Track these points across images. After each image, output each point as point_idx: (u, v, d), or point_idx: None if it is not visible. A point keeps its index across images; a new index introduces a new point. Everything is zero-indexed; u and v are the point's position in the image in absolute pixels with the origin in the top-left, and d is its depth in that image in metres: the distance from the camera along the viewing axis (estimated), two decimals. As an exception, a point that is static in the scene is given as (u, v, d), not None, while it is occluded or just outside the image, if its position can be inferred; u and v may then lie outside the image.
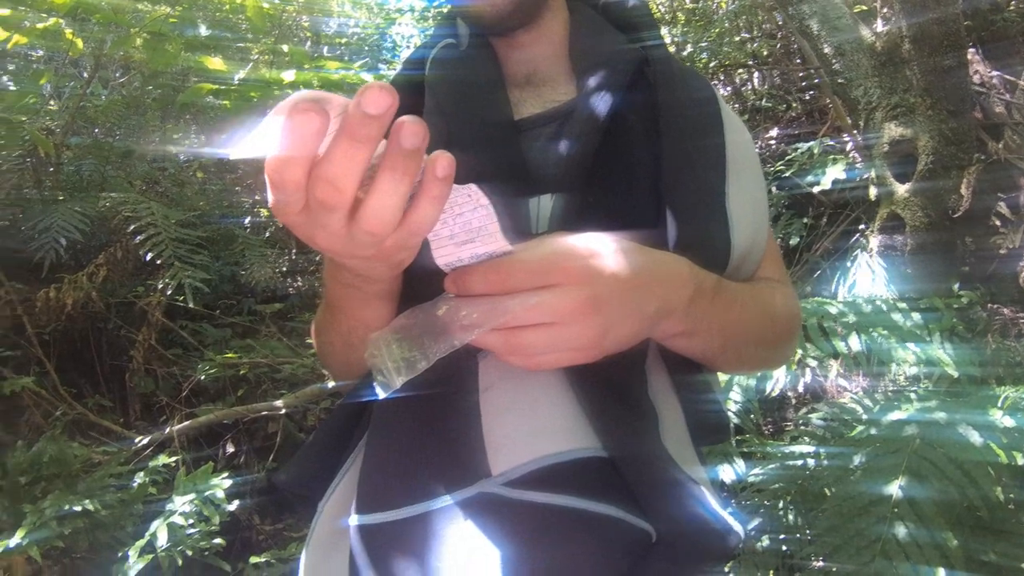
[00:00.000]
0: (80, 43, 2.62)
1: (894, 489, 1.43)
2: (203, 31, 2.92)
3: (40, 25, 2.40)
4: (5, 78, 3.44)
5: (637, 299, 0.56)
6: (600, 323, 0.54)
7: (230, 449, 3.08)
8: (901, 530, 1.35)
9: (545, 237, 0.58)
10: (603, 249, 0.55)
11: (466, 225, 0.50)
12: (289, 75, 3.02)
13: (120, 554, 1.97)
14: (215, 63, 2.95)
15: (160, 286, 2.90)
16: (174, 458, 2.42)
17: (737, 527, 0.60)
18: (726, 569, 1.80)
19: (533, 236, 0.59)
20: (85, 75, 3.34)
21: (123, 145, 3.42)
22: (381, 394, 0.51)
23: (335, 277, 0.64)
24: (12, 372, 2.50)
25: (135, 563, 1.87)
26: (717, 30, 4.26)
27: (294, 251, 4.31)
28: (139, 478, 2.24)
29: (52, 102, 3.46)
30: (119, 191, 3.07)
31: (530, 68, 0.80)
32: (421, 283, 0.59)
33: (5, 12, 2.38)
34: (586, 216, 0.65)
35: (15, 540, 1.79)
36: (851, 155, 3.23)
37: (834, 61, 2.72)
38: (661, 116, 0.71)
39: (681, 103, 0.73)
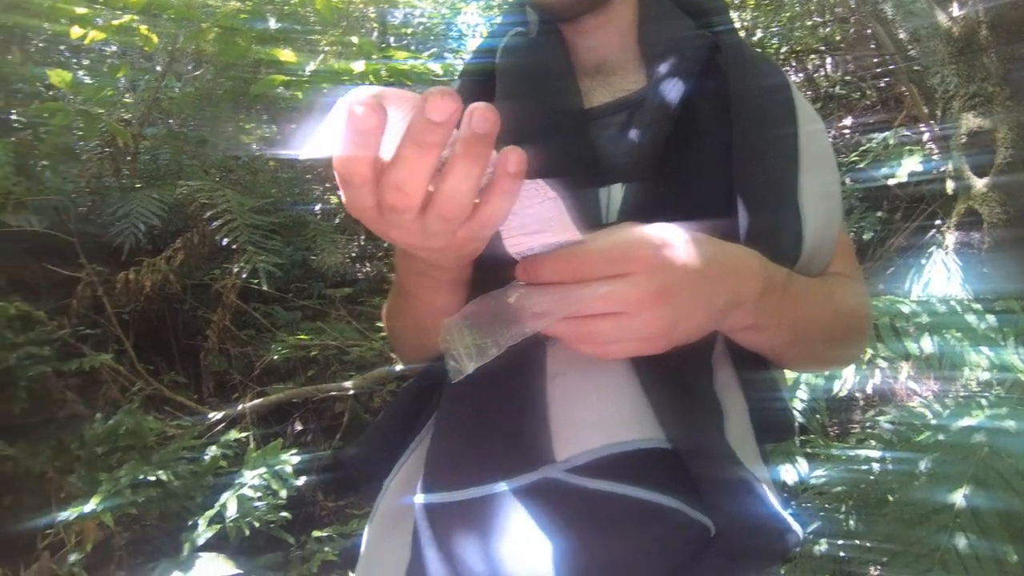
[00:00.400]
0: (155, 38, 2.74)
1: (958, 498, 1.38)
2: (273, 24, 3.01)
3: (115, 22, 2.52)
4: (81, 72, 3.63)
5: (707, 291, 0.56)
6: (669, 314, 0.54)
7: (298, 427, 3.21)
8: (962, 541, 1.31)
9: (615, 227, 0.57)
10: (674, 240, 0.55)
11: (536, 216, 0.51)
12: (359, 66, 3.09)
13: (190, 523, 2.09)
14: (286, 55, 3.04)
15: (235, 270, 3.02)
16: (244, 434, 2.54)
17: (796, 528, 0.60)
18: (782, 571, 1.77)
19: (603, 226, 0.59)
20: (159, 68, 3.49)
21: (197, 135, 3.57)
22: (453, 379, 0.53)
23: (407, 266, 0.66)
24: (91, 349, 2.65)
25: (204, 531, 1.98)
26: (788, 14, 4.12)
27: (363, 237, 4.42)
28: (211, 452, 2.36)
29: (127, 95, 3.63)
30: (195, 179, 3.22)
31: (599, 56, 0.79)
32: (492, 271, 0.60)
33: (82, 10, 2.50)
34: (656, 206, 0.64)
35: (90, 506, 1.92)
36: (928, 146, 3.09)
37: (909, 47, 2.61)
38: (732, 105, 0.69)
39: (752, 91, 0.71)
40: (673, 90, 0.69)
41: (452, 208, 0.44)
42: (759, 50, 4.46)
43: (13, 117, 3.30)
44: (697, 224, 0.58)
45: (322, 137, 0.40)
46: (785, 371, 0.77)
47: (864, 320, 0.79)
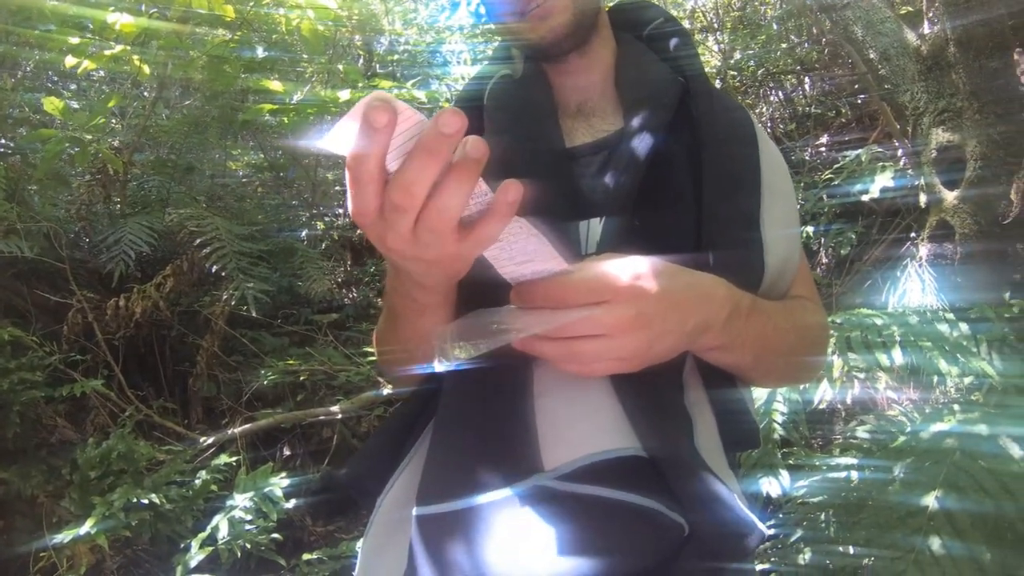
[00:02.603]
0: (147, 69, 2.79)
1: (931, 501, 1.42)
2: (261, 53, 3.07)
3: (108, 52, 2.57)
4: (70, 98, 3.66)
5: (678, 316, 0.63)
6: (645, 337, 0.61)
7: (287, 452, 3.21)
8: (936, 542, 1.34)
9: (597, 258, 0.64)
10: (649, 270, 0.62)
11: (522, 249, 0.57)
12: (344, 94, 3.15)
13: (182, 545, 2.09)
14: (273, 84, 3.09)
15: (224, 296, 3.04)
16: (235, 458, 2.54)
17: (761, 527, 0.65)
18: (756, 567, 1.80)
19: (584, 257, 0.67)
20: (145, 94, 3.53)
21: (185, 162, 3.61)
22: (438, 368, 0.59)
23: (395, 288, 0.70)
24: (82, 375, 2.65)
25: (196, 554, 1.99)
26: (763, 36, 4.22)
27: (349, 263, 4.45)
28: (202, 476, 2.37)
29: (114, 120, 3.67)
30: (183, 206, 3.25)
31: (581, 97, 0.86)
32: (474, 299, 0.66)
33: (75, 41, 2.55)
34: (632, 239, 0.71)
35: (85, 528, 1.93)
36: (901, 162, 3.17)
37: (880, 66, 2.69)
38: (703, 147, 0.77)
39: (720, 136, 0.79)
40: (647, 134, 0.77)
41: (440, 221, 0.50)
42: (735, 73, 4.56)
43: (3, 142, 3.33)
44: (669, 255, 0.65)
45: (339, 132, 0.45)
46: (751, 387, 0.83)
47: (823, 340, 0.87)
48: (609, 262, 0.62)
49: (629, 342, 0.61)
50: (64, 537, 1.93)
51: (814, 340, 0.83)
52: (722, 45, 4.58)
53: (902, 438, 1.82)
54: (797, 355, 0.80)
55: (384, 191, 0.49)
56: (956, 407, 1.91)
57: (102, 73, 3.76)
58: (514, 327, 0.61)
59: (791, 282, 0.81)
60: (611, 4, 0.97)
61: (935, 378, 2.12)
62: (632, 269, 0.61)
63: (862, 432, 2.12)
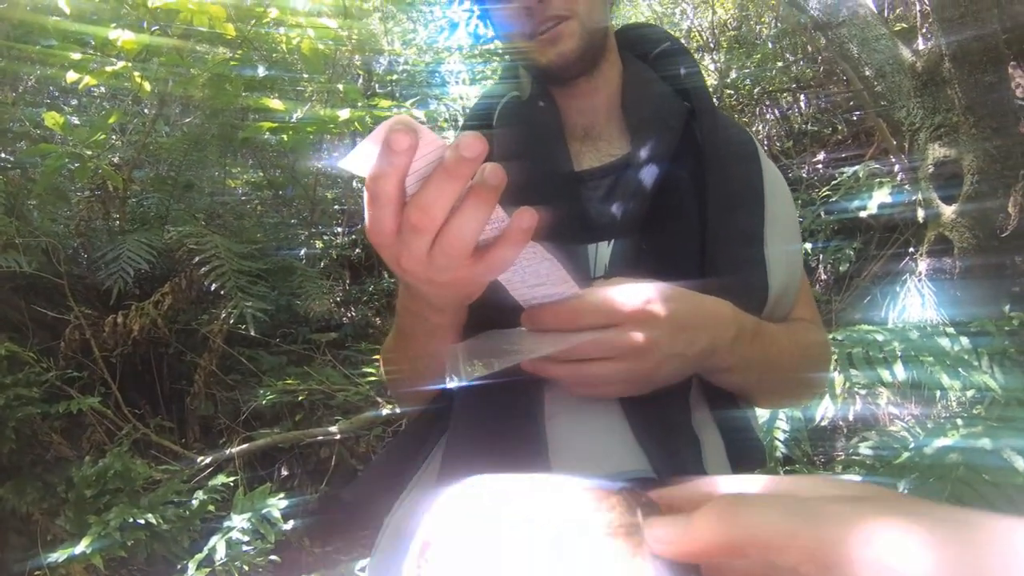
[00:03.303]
0: (147, 86, 2.81)
1: (936, 516, 1.40)
2: (261, 71, 3.09)
3: (109, 68, 2.59)
4: (71, 114, 3.68)
5: (686, 339, 0.64)
6: (653, 359, 0.62)
7: (285, 472, 3.19)
8: (942, 558, 1.32)
9: (606, 281, 0.65)
10: (657, 295, 0.63)
11: (534, 272, 0.58)
12: (344, 113, 3.17)
13: (179, 566, 2.07)
14: (273, 102, 3.11)
15: (223, 315, 3.04)
16: (232, 478, 2.52)
17: None
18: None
19: (593, 279, 0.69)
20: (146, 111, 3.55)
21: (185, 179, 3.62)
22: (450, 385, 0.60)
23: (406, 307, 0.70)
24: (78, 392, 2.64)
25: (194, 575, 1.96)
26: (759, 55, 4.26)
27: (348, 282, 4.45)
28: (199, 496, 2.34)
29: (115, 137, 3.68)
30: (182, 223, 3.25)
31: (587, 120, 0.86)
32: (484, 322, 0.67)
33: (76, 56, 2.57)
34: (640, 262, 0.73)
35: (80, 548, 1.91)
36: (899, 177, 3.19)
37: (876, 83, 2.71)
38: (707, 169, 0.78)
39: (723, 156, 0.80)
40: (654, 160, 0.78)
41: (457, 244, 0.50)
42: (732, 92, 4.60)
43: (3, 156, 3.34)
44: (675, 278, 0.67)
45: (360, 154, 0.46)
46: (755, 408, 0.84)
47: (825, 358, 0.89)
48: (618, 287, 0.63)
49: (638, 365, 0.62)
50: (59, 556, 1.90)
51: (816, 359, 0.85)
52: (718, 64, 4.62)
53: (906, 454, 1.81)
54: (800, 374, 0.82)
55: (402, 212, 0.49)
56: (959, 422, 1.90)
57: (103, 89, 3.78)
58: (525, 348, 0.62)
59: (794, 302, 0.83)
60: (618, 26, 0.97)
61: (937, 393, 2.11)
62: (641, 294, 0.63)
63: (865, 448, 2.11)
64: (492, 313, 0.65)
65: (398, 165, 0.45)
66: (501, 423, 0.69)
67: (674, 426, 0.69)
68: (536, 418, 0.69)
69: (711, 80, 4.66)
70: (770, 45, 4.28)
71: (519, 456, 0.67)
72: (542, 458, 0.66)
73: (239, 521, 2.18)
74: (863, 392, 2.49)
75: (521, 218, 0.51)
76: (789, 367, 0.78)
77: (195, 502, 2.31)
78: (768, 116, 4.73)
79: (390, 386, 0.91)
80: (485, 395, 0.67)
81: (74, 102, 4.04)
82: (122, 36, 2.52)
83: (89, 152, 2.81)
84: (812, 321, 0.87)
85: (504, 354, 0.61)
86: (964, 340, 2.09)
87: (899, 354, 2.03)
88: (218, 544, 2.09)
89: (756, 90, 4.43)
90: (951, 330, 2.15)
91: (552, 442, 0.67)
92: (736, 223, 0.77)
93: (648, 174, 0.77)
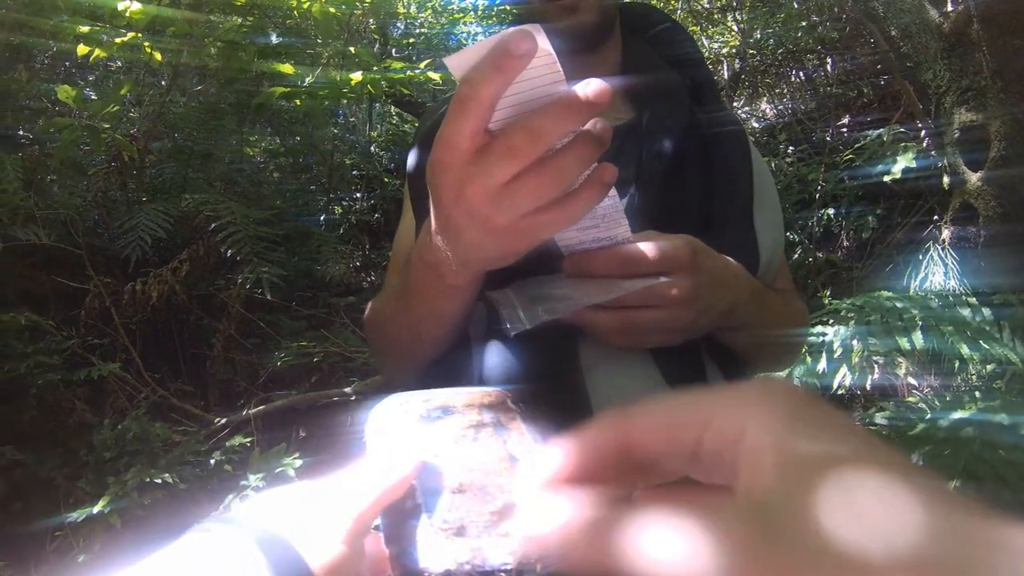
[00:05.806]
0: (158, 55, 2.80)
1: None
2: (274, 38, 3.06)
3: (119, 40, 2.57)
4: (86, 88, 3.69)
5: (720, 293, 0.66)
6: (696, 309, 0.64)
7: (303, 433, 3.24)
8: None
9: (647, 233, 0.65)
10: (702, 248, 0.65)
11: (592, 214, 0.56)
12: (357, 75, 3.14)
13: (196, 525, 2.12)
14: (287, 68, 3.09)
15: (240, 280, 3.06)
16: (249, 439, 2.57)
17: None
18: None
19: None
20: (163, 83, 3.55)
21: (202, 148, 3.62)
22: (513, 333, 0.59)
23: (424, 259, 0.64)
24: (99, 359, 2.68)
25: (210, 533, 2.01)
26: (783, 15, 4.13)
27: (367, 247, 4.46)
28: (216, 456, 2.39)
29: (132, 110, 3.70)
30: (200, 192, 3.27)
31: None
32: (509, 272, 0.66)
33: (85, 29, 2.56)
34: (645, 224, 0.72)
35: (98, 507, 1.96)
36: (924, 142, 3.09)
37: (902, 44, 2.62)
38: (705, 147, 0.81)
39: (720, 135, 0.83)
40: (658, 124, 0.80)
41: (551, 182, 0.47)
42: (754, 53, 4.47)
43: (21, 133, 3.37)
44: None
45: (466, 55, 0.43)
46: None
47: (805, 323, 0.95)
48: (667, 236, 0.64)
49: (684, 314, 0.63)
50: (78, 516, 1.96)
51: (798, 323, 0.91)
52: (741, 24, 4.49)
53: (921, 426, 1.78)
54: (788, 336, 0.87)
55: (484, 132, 0.46)
56: (977, 394, 1.87)
57: (119, 63, 3.78)
58: (578, 295, 0.60)
59: (776, 276, 0.89)
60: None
61: (956, 364, 2.08)
62: (691, 245, 0.63)
63: (880, 419, 2.09)
64: (503, 277, 0.63)
65: (507, 69, 0.42)
66: (536, 376, 0.67)
67: (697, 378, 0.72)
68: (576, 370, 0.68)
69: (734, 41, 4.54)
70: (795, 5, 4.13)
71: (562, 407, 0.65)
72: (586, 408, 0.65)
73: (254, 480, 2.22)
74: (881, 361, 2.46)
75: (604, 171, 0.50)
76: (782, 327, 0.83)
77: (212, 462, 2.36)
78: (792, 78, 4.60)
79: (378, 352, 0.88)
80: (514, 350, 0.67)
81: (91, 77, 4.05)
82: (131, 6, 2.50)
83: (107, 125, 2.81)
84: (791, 291, 0.94)
85: (560, 300, 0.59)
86: (986, 311, 2.05)
87: (919, 323, 1.99)
88: (233, 503, 2.14)
89: (780, 51, 4.30)
90: (973, 300, 2.11)
91: (592, 393, 0.67)
92: (731, 195, 0.80)
93: (652, 137, 0.78)
